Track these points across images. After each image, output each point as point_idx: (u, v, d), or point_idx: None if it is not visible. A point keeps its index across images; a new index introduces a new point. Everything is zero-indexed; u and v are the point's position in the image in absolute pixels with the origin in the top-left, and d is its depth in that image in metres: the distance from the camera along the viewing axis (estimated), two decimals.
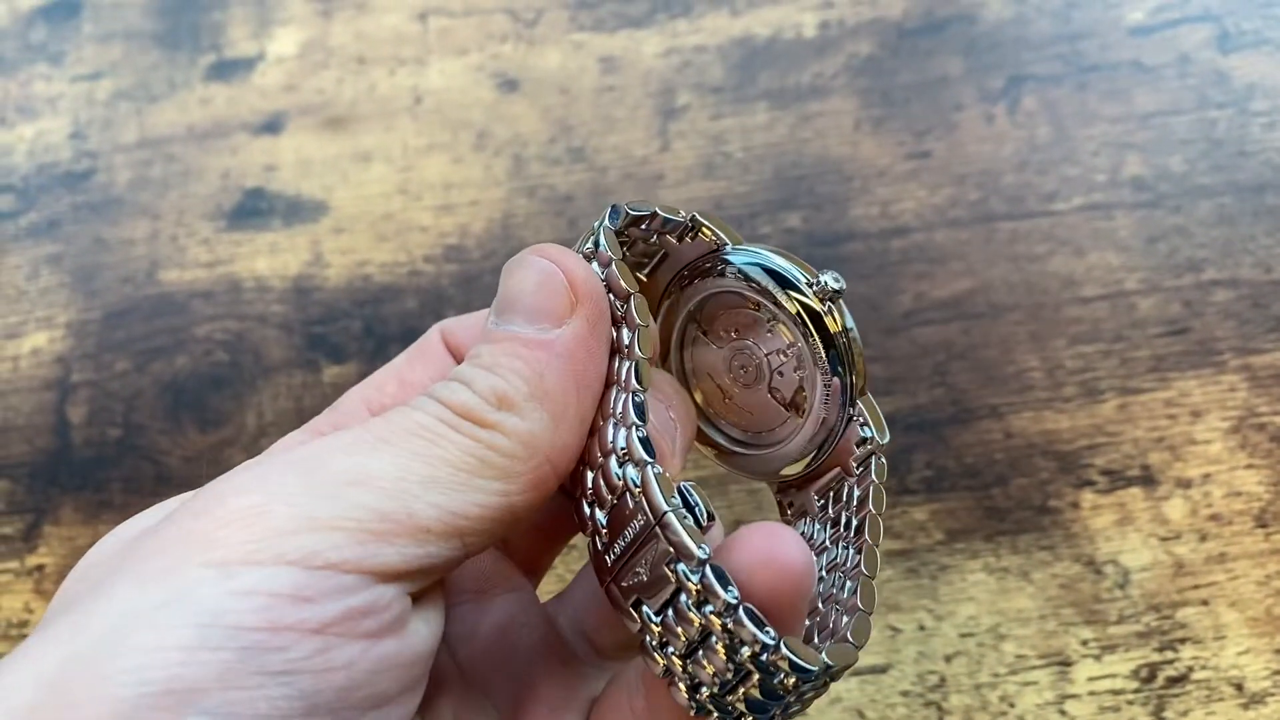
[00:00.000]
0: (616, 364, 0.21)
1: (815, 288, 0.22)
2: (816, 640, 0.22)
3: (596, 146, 0.43)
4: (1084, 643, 0.32)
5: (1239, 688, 0.31)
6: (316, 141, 0.44)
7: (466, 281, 0.40)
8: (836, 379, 0.23)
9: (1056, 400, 0.36)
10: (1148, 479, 0.35)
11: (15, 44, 0.48)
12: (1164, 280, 0.38)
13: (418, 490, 0.19)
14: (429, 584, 0.20)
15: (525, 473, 0.20)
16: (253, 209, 0.43)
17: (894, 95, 0.43)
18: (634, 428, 0.20)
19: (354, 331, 0.40)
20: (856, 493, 0.24)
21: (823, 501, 0.24)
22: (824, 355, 0.23)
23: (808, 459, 0.24)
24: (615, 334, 0.22)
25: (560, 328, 0.21)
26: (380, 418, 0.20)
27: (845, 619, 0.22)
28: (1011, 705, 0.32)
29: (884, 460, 0.24)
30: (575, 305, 0.21)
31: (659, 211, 0.23)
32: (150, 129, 0.45)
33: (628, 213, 0.23)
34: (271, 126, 0.45)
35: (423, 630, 0.20)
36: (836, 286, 0.22)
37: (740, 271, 0.23)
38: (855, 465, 0.24)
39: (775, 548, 0.19)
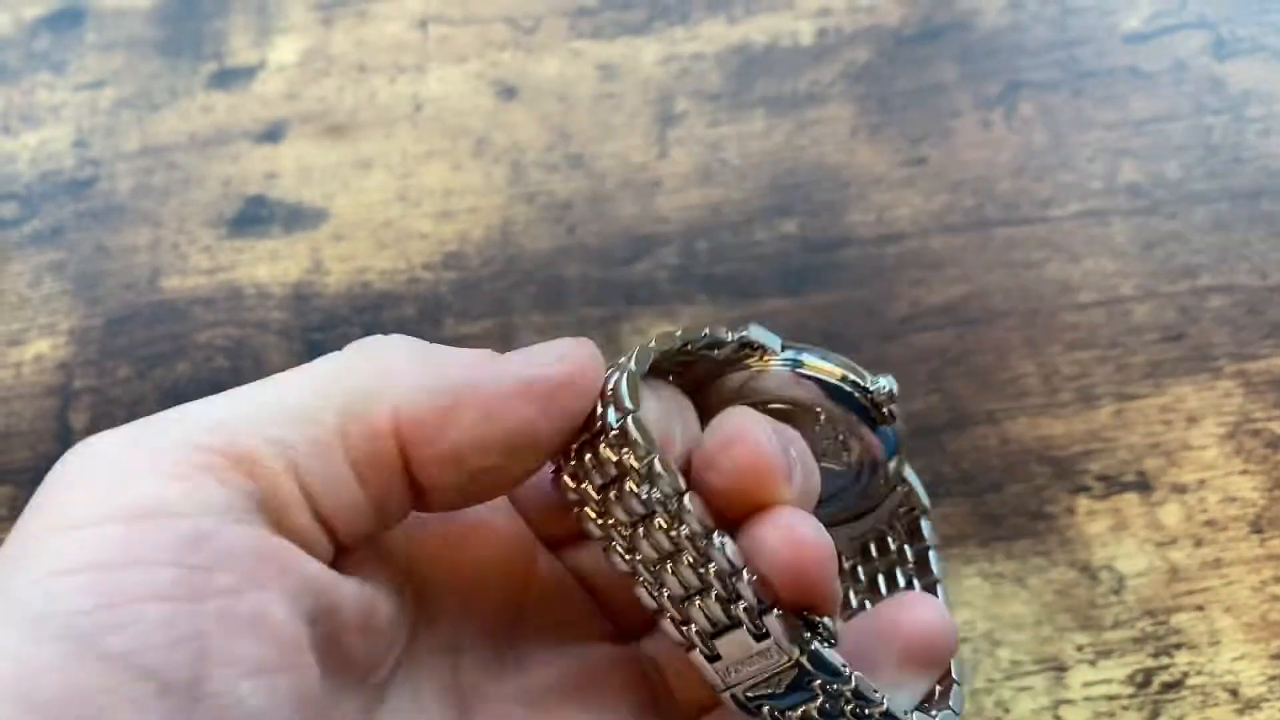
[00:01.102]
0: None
1: (872, 395, 0.22)
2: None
3: (595, 154, 0.43)
4: (1079, 648, 0.32)
5: (1234, 693, 0.31)
6: (317, 149, 0.44)
7: (465, 288, 0.41)
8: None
9: (1052, 406, 0.36)
10: (1143, 485, 0.35)
11: (19, 53, 0.49)
12: (1160, 286, 0.38)
13: (244, 422, 0.18)
14: (295, 526, 0.18)
15: (354, 413, 0.19)
16: (254, 216, 0.43)
17: (891, 102, 0.43)
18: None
19: (353, 338, 0.40)
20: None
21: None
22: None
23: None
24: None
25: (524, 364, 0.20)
26: None
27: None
28: (1007, 710, 0.32)
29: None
30: (554, 363, 0.20)
31: (708, 331, 0.22)
32: (152, 137, 0.46)
33: (674, 344, 0.21)
34: (272, 134, 0.45)
35: (325, 575, 0.18)
36: (890, 389, 0.22)
37: (803, 382, 0.22)
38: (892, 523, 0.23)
39: (791, 525, 0.19)
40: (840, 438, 0.22)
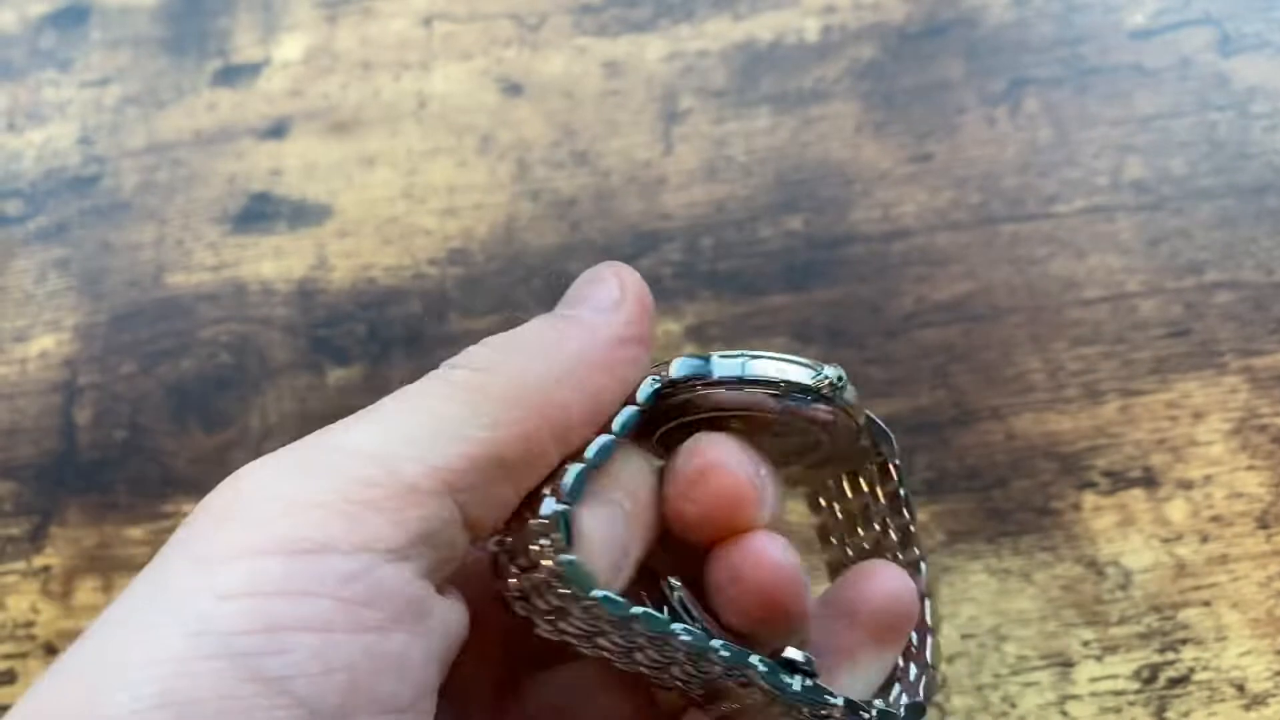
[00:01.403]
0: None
1: (819, 380, 0.21)
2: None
3: (600, 150, 0.43)
4: (1085, 644, 0.32)
5: (1240, 689, 0.31)
6: (322, 146, 0.44)
7: (470, 284, 0.41)
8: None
9: (1058, 402, 0.36)
10: (1149, 480, 0.35)
11: (24, 50, 0.49)
12: (1165, 282, 0.38)
13: (401, 448, 0.18)
14: (438, 564, 0.19)
15: (509, 420, 0.19)
16: (258, 213, 0.43)
17: (896, 99, 0.43)
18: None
19: (358, 334, 0.40)
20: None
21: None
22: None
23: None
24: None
25: (596, 314, 0.20)
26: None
27: (913, 668, 0.22)
28: (1013, 706, 0.32)
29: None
30: (621, 299, 0.20)
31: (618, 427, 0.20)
32: (157, 134, 0.46)
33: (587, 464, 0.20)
34: (277, 131, 0.45)
35: (450, 620, 0.19)
36: (837, 378, 0.21)
37: (740, 382, 0.21)
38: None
39: (763, 551, 0.19)
40: (794, 423, 0.22)
